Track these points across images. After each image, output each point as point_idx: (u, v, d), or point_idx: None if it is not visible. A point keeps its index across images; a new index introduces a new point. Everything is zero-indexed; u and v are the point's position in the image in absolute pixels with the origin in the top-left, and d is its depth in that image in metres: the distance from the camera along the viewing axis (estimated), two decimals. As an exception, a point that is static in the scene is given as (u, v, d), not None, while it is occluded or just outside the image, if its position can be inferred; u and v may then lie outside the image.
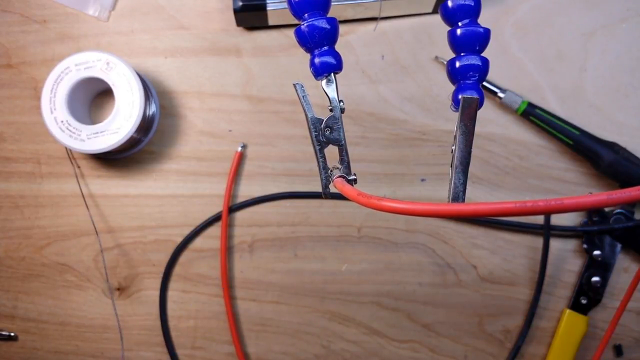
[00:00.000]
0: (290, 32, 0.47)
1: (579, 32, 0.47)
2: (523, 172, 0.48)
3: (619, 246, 0.47)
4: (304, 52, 0.28)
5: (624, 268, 0.48)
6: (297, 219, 0.48)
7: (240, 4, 0.44)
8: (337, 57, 0.28)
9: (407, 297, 0.48)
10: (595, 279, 0.47)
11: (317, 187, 0.47)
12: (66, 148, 0.46)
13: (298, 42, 0.28)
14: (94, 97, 0.48)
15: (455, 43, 0.26)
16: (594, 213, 0.47)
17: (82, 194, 0.47)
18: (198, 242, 0.48)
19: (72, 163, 0.47)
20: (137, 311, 0.48)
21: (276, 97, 0.48)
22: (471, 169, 0.25)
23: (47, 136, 0.47)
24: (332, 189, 0.28)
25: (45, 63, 0.47)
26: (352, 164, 0.28)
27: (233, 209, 0.48)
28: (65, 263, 0.48)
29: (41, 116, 0.43)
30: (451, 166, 0.26)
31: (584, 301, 0.47)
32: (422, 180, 0.48)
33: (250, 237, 0.48)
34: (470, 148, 0.25)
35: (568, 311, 0.47)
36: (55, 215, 0.48)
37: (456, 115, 0.25)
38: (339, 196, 0.26)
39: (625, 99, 0.47)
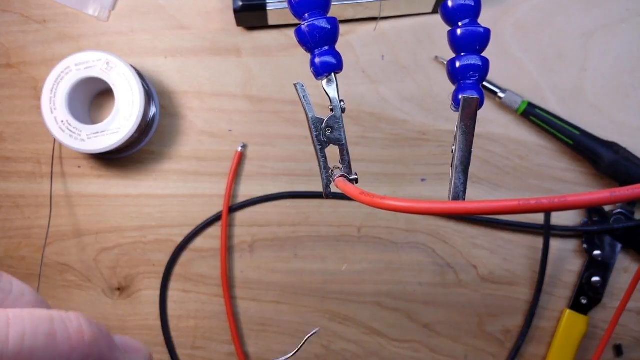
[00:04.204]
0: (291, 32, 0.47)
1: (579, 32, 0.47)
2: (523, 172, 0.48)
3: (619, 246, 0.47)
4: (304, 52, 0.28)
5: (624, 268, 0.48)
6: (297, 219, 0.48)
7: (240, 4, 0.44)
8: (338, 57, 0.28)
9: (407, 297, 0.48)
10: (595, 279, 0.47)
11: (318, 187, 0.47)
12: (54, 146, 0.46)
13: (298, 42, 0.28)
14: (94, 97, 0.48)
15: (456, 43, 0.26)
16: (594, 213, 0.47)
17: (50, 194, 0.47)
18: (198, 242, 0.48)
19: (51, 162, 0.47)
20: (137, 311, 0.48)
21: (276, 97, 0.48)
22: (471, 169, 0.25)
23: (47, 136, 0.47)
24: (333, 188, 0.28)
25: (45, 63, 0.47)
26: (352, 164, 0.28)
27: (233, 209, 0.48)
28: (65, 263, 0.48)
29: (41, 116, 0.43)
30: (451, 166, 0.26)
31: (584, 301, 0.47)
32: (422, 180, 0.48)
33: (251, 237, 0.48)
34: (471, 148, 0.25)
35: (568, 311, 0.47)
36: (56, 215, 0.48)
37: (456, 115, 0.25)
38: (340, 196, 0.26)
39: (625, 99, 0.47)
